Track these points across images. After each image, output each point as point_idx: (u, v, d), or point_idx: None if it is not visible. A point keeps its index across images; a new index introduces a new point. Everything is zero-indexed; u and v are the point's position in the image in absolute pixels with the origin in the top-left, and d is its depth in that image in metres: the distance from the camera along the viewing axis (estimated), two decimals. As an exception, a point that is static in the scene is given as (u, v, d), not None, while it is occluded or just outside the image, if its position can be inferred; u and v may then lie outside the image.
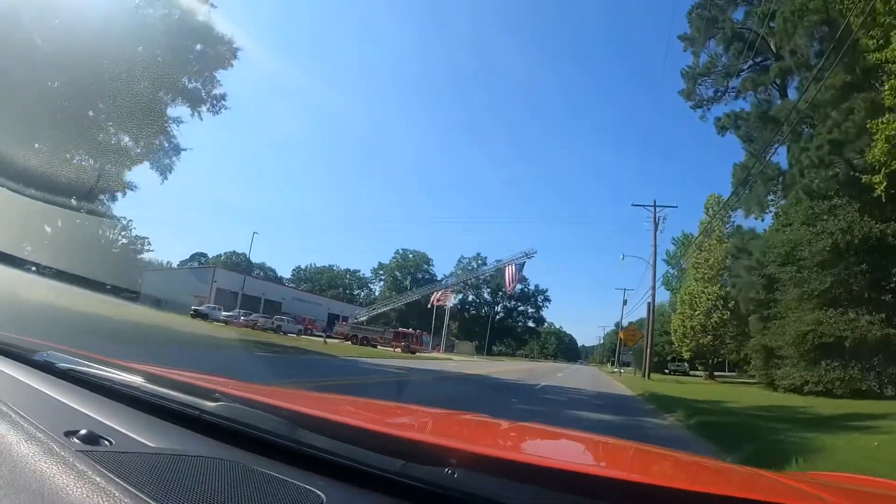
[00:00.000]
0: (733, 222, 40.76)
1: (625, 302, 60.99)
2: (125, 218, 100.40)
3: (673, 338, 41.04)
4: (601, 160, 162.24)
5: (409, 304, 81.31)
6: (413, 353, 47.59)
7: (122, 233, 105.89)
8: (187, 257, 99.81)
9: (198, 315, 44.47)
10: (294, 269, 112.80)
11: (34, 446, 0.88)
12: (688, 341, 38.82)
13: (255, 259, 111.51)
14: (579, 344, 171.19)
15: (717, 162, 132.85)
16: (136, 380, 1.32)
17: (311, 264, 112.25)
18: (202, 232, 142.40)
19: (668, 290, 62.50)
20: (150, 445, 1.04)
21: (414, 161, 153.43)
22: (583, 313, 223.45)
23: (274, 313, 59.76)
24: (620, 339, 43.36)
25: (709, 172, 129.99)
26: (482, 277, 53.64)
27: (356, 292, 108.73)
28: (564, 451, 1.67)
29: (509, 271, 50.93)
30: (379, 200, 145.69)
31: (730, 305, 37.74)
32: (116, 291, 68.96)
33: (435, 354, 52.66)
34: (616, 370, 52.67)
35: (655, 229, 33.86)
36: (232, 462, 0.95)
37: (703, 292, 38.30)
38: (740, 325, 37.05)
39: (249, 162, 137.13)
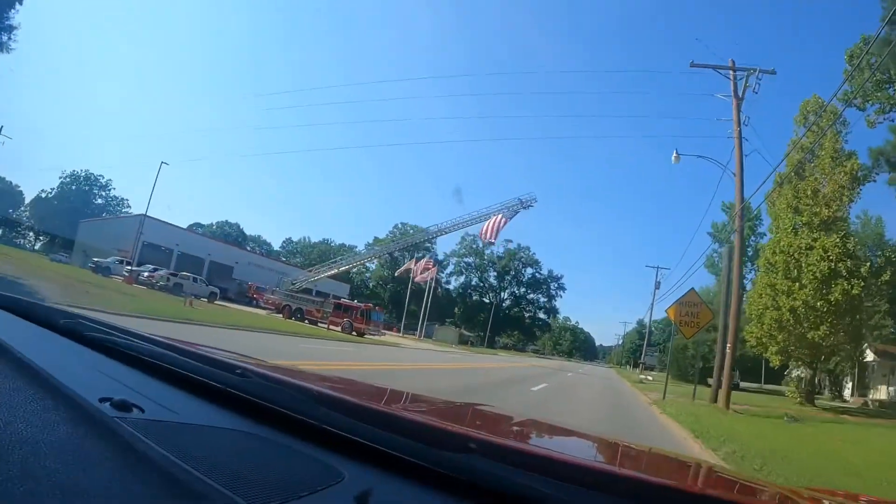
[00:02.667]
0: (845, 141, 22.80)
1: (657, 285, 43.14)
2: (103, 177, 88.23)
3: (753, 330, 22.57)
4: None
5: (401, 282, 64.61)
6: (360, 334, 32.86)
7: (101, 192, 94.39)
8: (184, 227, 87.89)
9: (98, 269, 37.23)
10: (284, 241, 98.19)
11: (72, 411, 0.88)
12: (783, 336, 20.60)
13: (249, 232, 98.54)
14: (597, 343, 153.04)
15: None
16: (162, 351, 1.30)
17: (304, 238, 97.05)
18: (204, 203, 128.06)
19: (714, 273, 44.27)
20: (179, 415, 1.02)
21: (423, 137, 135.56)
22: (601, 313, 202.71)
23: (222, 277, 48.97)
24: (668, 326, 25.73)
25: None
26: (458, 230, 35.74)
27: (353, 271, 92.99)
28: (572, 445, 1.65)
29: (494, 221, 33.58)
30: (381, 179, 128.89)
31: (863, 270, 19.67)
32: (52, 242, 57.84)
33: (388, 339, 36.26)
34: (643, 377, 34.75)
35: (738, 114, 16.26)
36: (256, 435, 0.96)
37: (813, 247, 20.15)
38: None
39: (251, 135, 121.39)
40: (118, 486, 0.71)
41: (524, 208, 34.29)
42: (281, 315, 35.41)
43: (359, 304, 35.86)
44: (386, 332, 50.78)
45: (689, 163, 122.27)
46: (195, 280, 37.95)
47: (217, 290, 38.43)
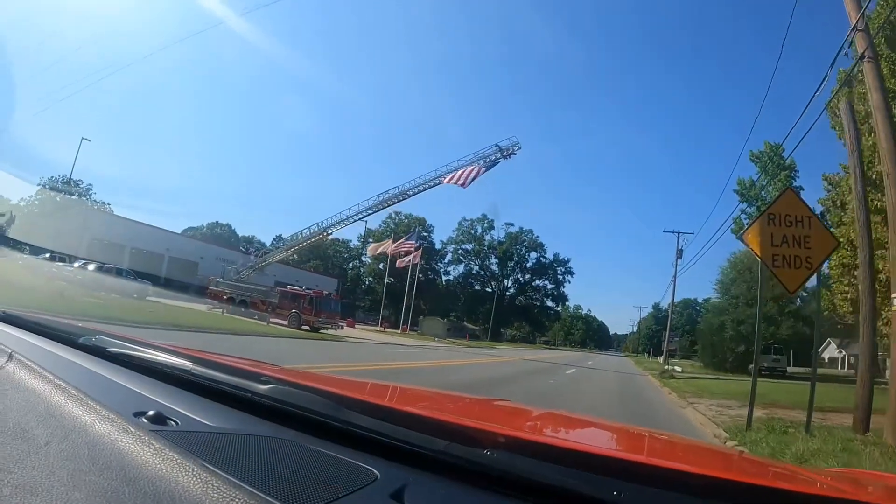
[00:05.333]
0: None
1: (679, 254, 34.57)
2: (81, 181, 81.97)
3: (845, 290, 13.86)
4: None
5: (399, 277, 56.44)
6: (314, 328, 26.10)
7: (83, 197, 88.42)
8: (178, 232, 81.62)
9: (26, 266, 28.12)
10: (274, 238, 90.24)
11: (109, 426, 0.87)
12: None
13: (241, 232, 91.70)
14: (611, 332, 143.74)
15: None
16: (186, 363, 1.30)
17: (295, 234, 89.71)
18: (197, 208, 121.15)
19: (741, 238, 35.60)
20: (211, 425, 1.03)
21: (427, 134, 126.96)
22: (614, 300, 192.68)
23: (186, 274, 43.93)
24: (686, 308, 18.21)
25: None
26: (428, 188, 27.45)
27: (348, 266, 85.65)
28: (590, 436, 1.64)
29: (467, 171, 25.44)
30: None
31: None
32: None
33: (349, 333, 28.54)
34: (672, 369, 26.24)
35: None
36: (288, 441, 0.96)
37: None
38: None
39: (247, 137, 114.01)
40: (164, 496, 0.72)
41: (505, 157, 25.99)
42: (222, 310, 28.36)
43: (307, 290, 28.12)
44: (376, 326, 43.38)
45: (708, 107, 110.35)
46: (119, 272, 31.29)
47: (149, 284, 31.43)
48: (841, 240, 13.23)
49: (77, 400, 0.95)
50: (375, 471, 0.83)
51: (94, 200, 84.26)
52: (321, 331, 26.10)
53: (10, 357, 1.15)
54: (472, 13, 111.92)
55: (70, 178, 64.39)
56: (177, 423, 0.97)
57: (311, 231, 30.62)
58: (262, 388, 1.11)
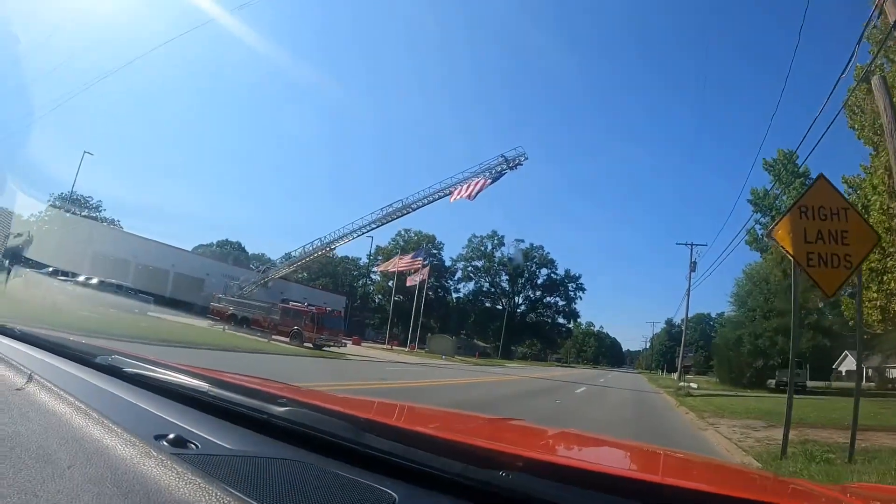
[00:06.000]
0: None
1: (693, 266, 33.45)
2: (91, 197, 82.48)
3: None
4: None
5: (408, 294, 55.44)
6: (317, 345, 25.26)
7: (93, 214, 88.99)
8: (189, 249, 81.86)
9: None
10: (283, 256, 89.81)
11: (132, 450, 0.88)
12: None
13: (251, 250, 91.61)
14: (623, 349, 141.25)
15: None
16: (202, 384, 1.29)
17: (303, 247, 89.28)
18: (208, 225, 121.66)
19: (757, 249, 34.65)
20: (231, 448, 1.03)
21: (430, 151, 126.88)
22: (626, 317, 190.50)
23: (191, 290, 43.24)
24: (699, 323, 17.80)
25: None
26: (432, 201, 26.71)
27: (357, 283, 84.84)
28: (607, 456, 1.60)
29: (472, 184, 24.69)
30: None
31: None
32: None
33: (351, 351, 27.82)
34: (688, 385, 24.97)
35: None
36: (306, 464, 0.96)
37: None
38: None
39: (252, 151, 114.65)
40: None
41: (511, 168, 25.23)
42: (223, 327, 27.90)
43: (310, 307, 27.37)
44: (384, 344, 42.43)
45: (714, 124, 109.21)
46: (120, 288, 30.92)
47: (150, 299, 31.05)
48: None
49: (98, 423, 0.95)
50: (394, 493, 0.82)
51: (104, 218, 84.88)
52: (323, 348, 25.46)
53: (30, 378, 1.14)
54: (474, 34, 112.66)
55: (74, 193, 64.84)
56: (197, 446, 0.95)
57: (315, 246, 29.94)
58: (279, 409, 1.10)
